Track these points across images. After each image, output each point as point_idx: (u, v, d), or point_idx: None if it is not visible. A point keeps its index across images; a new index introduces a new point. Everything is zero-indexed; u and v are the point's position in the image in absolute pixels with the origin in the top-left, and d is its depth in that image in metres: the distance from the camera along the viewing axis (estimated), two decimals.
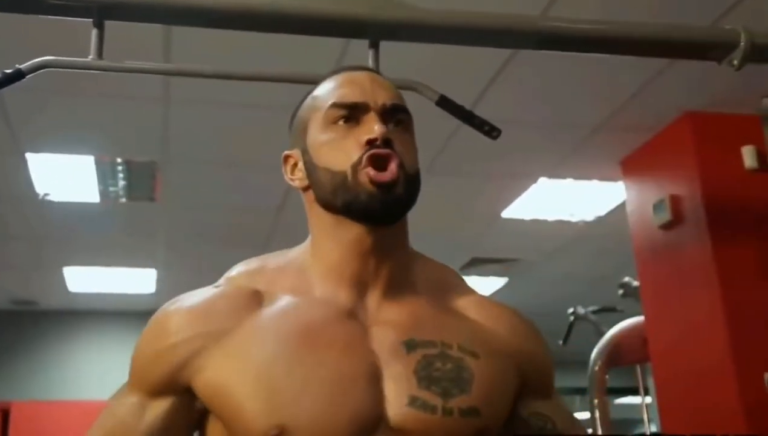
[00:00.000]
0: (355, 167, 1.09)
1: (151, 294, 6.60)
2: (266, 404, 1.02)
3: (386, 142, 1.09)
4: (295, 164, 1.21)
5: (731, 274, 3.59)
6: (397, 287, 1.16)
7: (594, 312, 5.44)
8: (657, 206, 3.93)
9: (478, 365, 1.10)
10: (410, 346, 1.09)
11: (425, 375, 1.06)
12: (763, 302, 3.48)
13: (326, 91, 1.19)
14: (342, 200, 1.10)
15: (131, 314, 6.98)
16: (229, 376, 1.05)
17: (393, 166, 1.08)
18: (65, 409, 6.89)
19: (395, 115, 1.15)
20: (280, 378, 1.03)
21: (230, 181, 4.58)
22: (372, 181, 1.07)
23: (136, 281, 6.46)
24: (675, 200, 3.85)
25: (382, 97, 1.14)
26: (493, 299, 1.26)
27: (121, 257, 6.02)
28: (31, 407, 7.04)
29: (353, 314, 1.12)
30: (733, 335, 3.50)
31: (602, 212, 5.14)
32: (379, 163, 1.08)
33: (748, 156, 3.76)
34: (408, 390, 1.04)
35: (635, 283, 4.56)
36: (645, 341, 4.21)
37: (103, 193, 4.74)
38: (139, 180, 4.58)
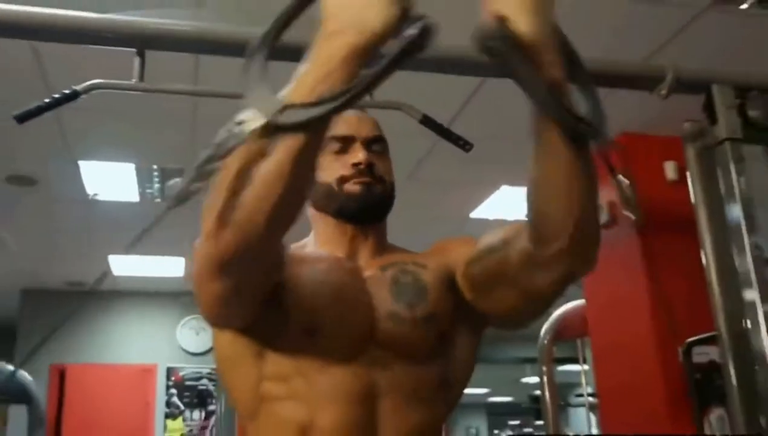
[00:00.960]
0: (340, 180, 1.25)
1: (180, 278, 6.57)
2: (308, 304, 1.14)
3: (369, 165, 1.25)
4: None
5: (655, 266, 3.61)
6: (379, 250, 1.30)
7: None
8: None
9: (427, 273, 1.23)
10: (384, 268, 1.23)
11: (396, 290, 1.19)
12: (679, 289, 3.50)
13: None
14: (332, 209, 1.27)
15: (163, 293, 7.11)
16: (290, 279, 1.15)
17: (372, 182, 1.25)
18: (108, 370, 7.09)
19: (376, 144, 1.30)
20: (314, 290, 1.16)
21: None
22: (350, 194, 1.24)
23: (168, 266, 6.44)
24: (611, 205, 3.86)
25: (365, 131, 1.29)
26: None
27: (156, 247, 5.96)
28: (81, 368, 7.08)
29: (350, 260, 1.26)
30: (654, 316, 3.54)
31: None
32: (359, 179, 1.24)
33: (670, 170, 3.82)
34: (387, 306, 1.17)
35: None
36: (584, 320, 4.24)
37: (142, 194, 4.76)
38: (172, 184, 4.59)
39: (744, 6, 2.78)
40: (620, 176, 3.17)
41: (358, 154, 1.25)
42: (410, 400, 1.13)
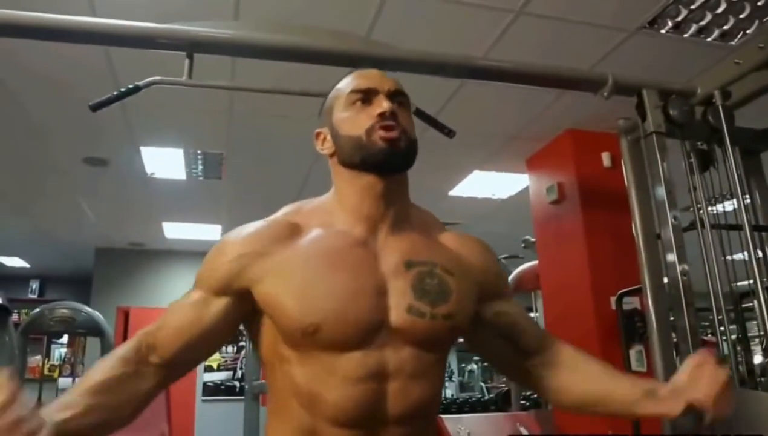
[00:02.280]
0: (369, 131, 1.04)
1: (218, 241, 6.58)
2: (304, 309, 0.96)
3: (393, 114, 1.04)
4: (324, 138, 1.13)
5: (593, 234, 3.62)
6: (399, 225, 1.08)
7: (505, 258, 5.46)
8: (549, 189, 3.93)
9: (454, 280, 1.05)
10: (408, 265, 1.04)
11: (419, 289, 1.01)
12: (612, 253, 3.51)
13: (346, 83, 1.12)
14: (360, 157, 1.05)
15: (204, 252, 6.86)
16: (278, 288, 0.99)
17: (398, 130, 1.04)
18: (162, 312, 6.90)
19: (398, 97, 1.09)
20: (313, 290, 0.98)
21: (271, 168, 4.56)
22: (383, 139, 1.03)
23: (208, 232, 6.43)
24: (560, 186, 3.86)
25: (388, 85, 1.09)
26: (464, 233, 1.20)
27: (199, 216, 6.02)
28: (142, 311, 7.05)
29: (366, 244, 1.05)
30: (593, 272, 3.54)
31: (513, 193, 5.12)
32: (387, 125, 1.04)
33: (606, 159, 3.79)
34: (407, 300, 1.00)
35: (532, 239, 4.58)
36: (537, 277, 4.23)
37: (188, 174, 4.71)
38: (211, 165, 4.54)
39: (663, 31, 2.77)
40: None
41: (383, 104, 1.05)
42: (415, 378, 0.99)
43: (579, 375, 1.14)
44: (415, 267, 1.04)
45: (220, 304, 1.03)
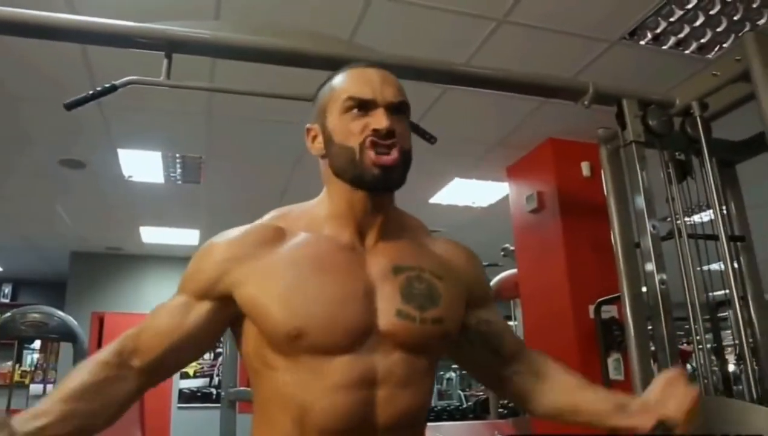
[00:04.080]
0: (362, 147, 0.99)
1: (195, 246, 6.49)
2: (287, 312, 0.93)
3: (390, 133, 0.98)
4: (316, 137, 1.07)
5: (572, 243, 3.63)
6: (387, 231, 1.06)
7: (485, 266, 5.47)
8: (528, 198, 3.95)
9: (443, 285, 1.04)
10: (396, 270, 1.01)
11: (407, 293, 0.99)
12: (591, 262, 3.52)
13: (343, 82, 1.05)
14: (351, 175, 1.00)
15: (182, 257, 6.77)
16: (262, 292, 0.96)
17: (395, 153, 0.99)
18: (138, 317, 6.68)
19: (398, 109, 1.02)
20: (298, 294, 0.95)
21: (251, 172, 4.52)
22: (375, 164, 0.98)
23: (186, 237, 6.35)
24: (540, 195, 3.87)
25: (389, 95, 1.02)
26: (450, 239, 1.17)
27: (177, 220, 5.94)
28: (118, 316, 6.95)
29: (353, 249, 1.03)
30: (572, 281, 3.55)
31: (493, 201, 5.14)
32: (381, 149, 0.98)
33: (585, 168, 3.81)
34: (395, 305, 0.98)
35: (512, 248, 4.59)
36: (517, 285, 4.24)
37: (166, 177, 4.64)
38: (190, 169, 4.48)
39: (642, 42, 2.80)
40: None
41: (382, 121, 0.99)
42: (405, 385, 0.97)
43: (552, 385, 1.15)
44: (403, 272, 1.02)
45: (202, 308, 1.01)
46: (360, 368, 0.94)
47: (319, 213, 1.07)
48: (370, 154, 0.98)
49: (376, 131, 0.98)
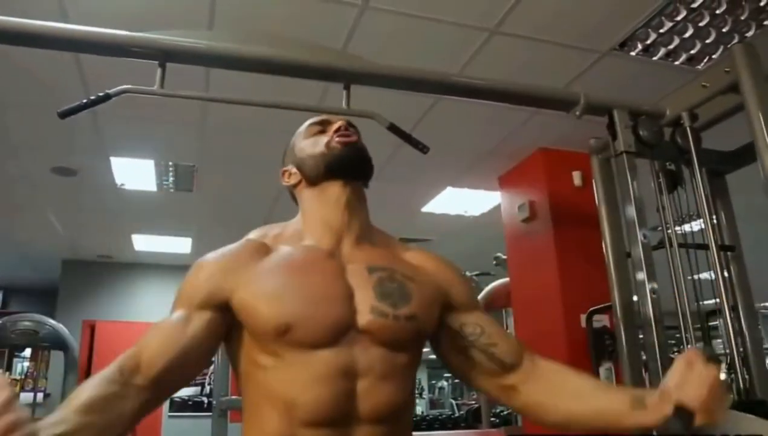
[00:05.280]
0: (328, 143, 1.17)
1: (188, 254, 6.49)
2: (276, 310, 1.01)
3: (347, 127, 1.19)
4: (289, 173, 1.23)
5: (564, 252, 3.64)
6: (362, 240, 1.16)
7: (477, 275, 5.48)
8: (520, 207, 3.96)
9: (414, 286, 1.10)
10: (371, 270, 1.09)
11: (380, 291, 1.06)
12: (582, 271, 3.53)
13: (304, 125, 1.26)
14: (324, 164, 1.16)
15: (174, 266, 6.88)
16: (251, 295, 1.03)
17: (354, 136, 1.19)
18: (130, 326, 6.86)
19: (350, 126, 1.22)
20: (284, 295, 1.03)
21: (243, 180, 4.51)
22: (340, 143, 1.16)
23: (179, 244, 6.33)
24: (532, 204, 3.88)
25: (341, 120, 1.22)
26: (424, 249, 1.25)
27: (169, 228, 5.92)
28: (108, 324, 6.93)
29: (333, 256, 1.12)
30: (564, 290, 3.56)
31: (485, 210, 5.14)
32: (343, 134, 1.18)
33: (577, 178, 3.83)
34: (370, 302, 1.04)
35: (504, 257, 4.59)
36: (509, 294, 4.24)
37: (159, 185, 4.63)
38: (183, 177, 4.48)
39: (633, 53, 2.83)
40: None
41: (338, 122, 1.20)
42: (384, 379, 1.02)
43: (562, 393, 1.10)
44: (376, 272, 1.09)
45: (202, 318, 1.05)
46: (341, 360, 1.00)
47: (297, 229, 1.18)
48: (336, 139, 1.17)
49: (337, 129, 1.18)
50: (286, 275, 1.06)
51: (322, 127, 1.21)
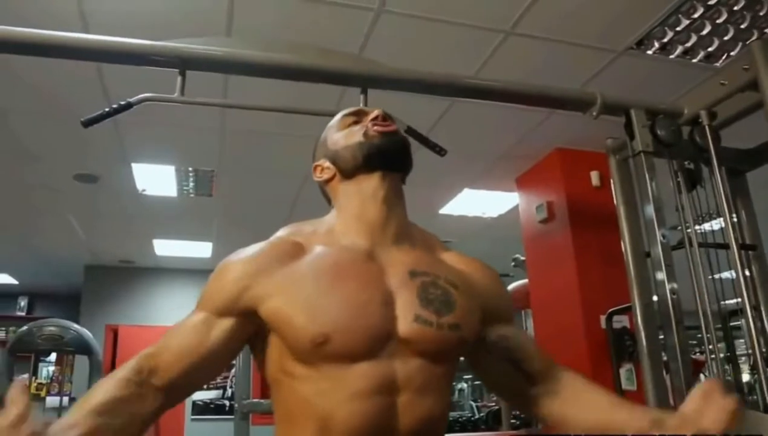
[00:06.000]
0: (366, 133, 1.09)
1: (208, 258, 6.55)
2: (312, 320, 0.94)
3: (385, 117, 1.11)
4: (322, 167, 1.14)
5: (583, 253, 3.62)
6: (402, 239, 1.07)
7: None
8: (538, 208, 3.94)
9: (458, 293, 1.03)
10: (413, 274, 1.02)
11: (424, 297, 0.99)
12: (601, 272, 3.51)
13: (336, 117, 1.19)
14: (362, 155, 1.08)
15: (195, 270, 7.00)
16: (286, 303, 0.96)
17: (393, 126, 1.10)
18: (151, 330, 6.91)
19: (388, 116, 1.13)
20: (321, 302, 0.96)
21: (262, 185, 4.54)
22: (379, 132, 1.08)
23: (199, 249, 6.38)
24: (549, 205, 3.86)
25: (377, 109, 1.13)
26: (465, 254, 1.17)
27: (190, 233, 5.97)
28: (131, 329, 7.00)
29: (371, 257, 1.03)
30: (583, 291, 3.54)
31: (503, 211, 5.13)
32: (380, 124, 1.09)
33: (595, 178, 3.81)
34: (413, 310, 0.98)
35: (522, 258, 4.57)
36: (528, 295, 4.22)
37: (179, 191, 4.68)
38: (202, 182, 4.52)
39: (649, 52, 2.81)
40: None
41: (375, 111, 1.11)
42: (424, 392, 0.96)
43: (584, 405, 1.10)
44: (418, 277, 1.02)
45: (224, 325, 1.00)
46: (380, 374, 0.94)
47: (332, 227, 1.09)
48: (375, 128, 1.08)
49: (374, 119, 1.10)
50: (321, 281, 0.98)
51: (357, 117, 1.14)
